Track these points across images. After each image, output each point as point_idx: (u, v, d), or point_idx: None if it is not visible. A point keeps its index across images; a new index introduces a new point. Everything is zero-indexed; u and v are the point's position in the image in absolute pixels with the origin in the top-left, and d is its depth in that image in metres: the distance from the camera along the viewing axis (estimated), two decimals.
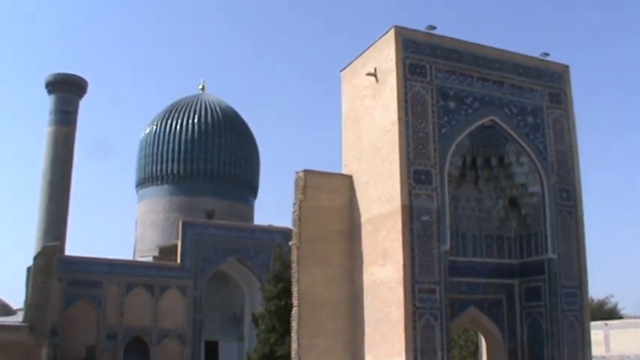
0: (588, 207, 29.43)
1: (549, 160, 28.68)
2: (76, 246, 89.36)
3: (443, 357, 24.94)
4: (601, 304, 67.36)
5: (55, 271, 51.73)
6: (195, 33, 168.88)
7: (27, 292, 50.80)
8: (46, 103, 75.96)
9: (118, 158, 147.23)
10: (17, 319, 52.59)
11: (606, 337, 51.19)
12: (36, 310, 47.89)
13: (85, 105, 78.09)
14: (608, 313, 64.78)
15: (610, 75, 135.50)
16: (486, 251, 29.42)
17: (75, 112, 76.17)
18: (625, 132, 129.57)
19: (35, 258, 50.94)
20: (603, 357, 48.22)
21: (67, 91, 75.49)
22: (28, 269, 52.18)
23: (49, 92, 75.65)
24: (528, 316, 28.53)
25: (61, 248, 64.13)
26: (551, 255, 27.81)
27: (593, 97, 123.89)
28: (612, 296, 70.10)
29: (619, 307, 69.89)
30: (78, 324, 57.78)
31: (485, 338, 30.34)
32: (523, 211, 29.04)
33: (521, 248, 29.33)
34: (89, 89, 78.22)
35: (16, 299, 62.65)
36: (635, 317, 60.69)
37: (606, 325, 52.31)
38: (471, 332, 37.59)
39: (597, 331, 31.73)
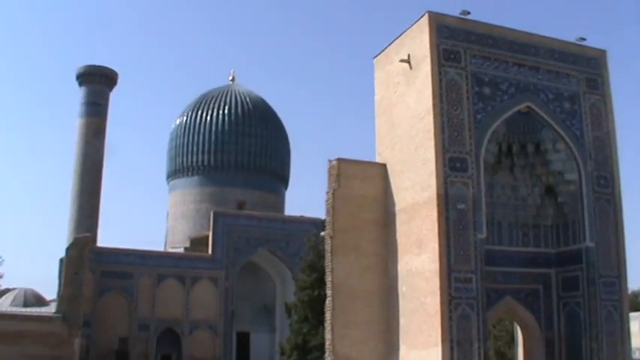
0: (627, 194, 28.92)
1: (586, 146, 28.15)
2: (107, 238, 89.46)
3: (479, 347, 24.57)
4: (636, 295, 66.44)
5: (87, 262, 51.84)
6: (225, 22, 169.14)
7: (60, 284, 51.03)
8: (77, 94, 76.31)
9: (150, 150, 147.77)
10: (50, 310, 52.95)
11: None
12: (69, 301, 48.04)
13: (115, 97, 78.33)
14: None
15: None
16: (522, 240, 28.97)
17: (106, 104, 76.28)
18: None
19: (68, 249, 51.10)
20: (639, 348, 47.44)
21: (97, 82, 75.62)
22: (61, 260, 52.42)
23: (80, 84, 75.86)
24: (566, 306, 28.05)
25: (93, 239, 64.48)
26: (589, 244, 27.31)
27: (633, 80, 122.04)
28: None
29: None
30: (110, 315, 58.01)
31: (521, 329, 29.93)
32: (560, 199, 28.54)
33: (558, 237, 28.85)
34: (119, 81, 78.36)
35: (49, 290, 63.05)
36: None
37: None
38: (507, 322, 37.09)
39: (633, 322, 31.21)
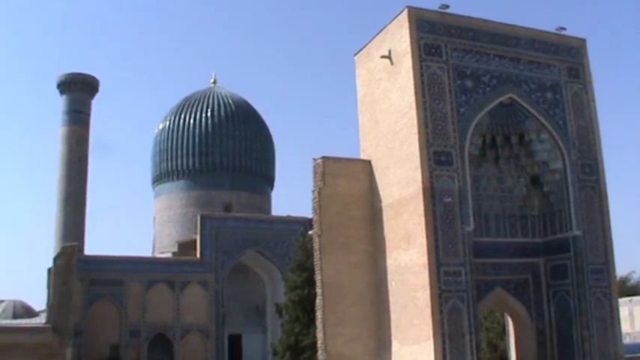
0: (612, 182, 29.06)
1: (570, 135, 28.28)
2: (95, 245, 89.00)
3: (471, 340, 24.66)
4: (624, 281, 66.66)
5: (75, 271, 51.47)
6: (204, 26, 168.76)
7: (49, 294, 50.76)
8: (58, 103, 75.92)
9: (133, 156, 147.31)
10: (40, 320, 52.60)
11: (631, 314, 50.61)
12: (58, 311, 47.76)
13: (97, 104, 78.00)
14: (631, 289, 64.07)
15: (630, 46, 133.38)
16: (510, 231, 29.10)
17: (88, 112, 75.98)
18: None
19: (55, 259, 50.76)
20: (628, 333, 47.52)
21: (79, 90, 75.26)
22: (49, 270, 52.12)
23: (62, 92, 75.53)
24: (555, 294, 28.17)
25: (81, 248, 64.12)
26: (575, 232, 27.46)
27: (613, 69, 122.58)
28: (634, 272, 69.39)
29: None
30: (101, 323, 57.73)
31: (512, 319, 30.04)
32: (545, 189, 28.67)
33: (545, 226, 28.96)
34: (101, 88, 78.05)
35: (39, 301, 62.74)
36: None
37: (630, 301, 51.65)
38: (498, 314, 37.20)
39: (622, 308, 31.52)
